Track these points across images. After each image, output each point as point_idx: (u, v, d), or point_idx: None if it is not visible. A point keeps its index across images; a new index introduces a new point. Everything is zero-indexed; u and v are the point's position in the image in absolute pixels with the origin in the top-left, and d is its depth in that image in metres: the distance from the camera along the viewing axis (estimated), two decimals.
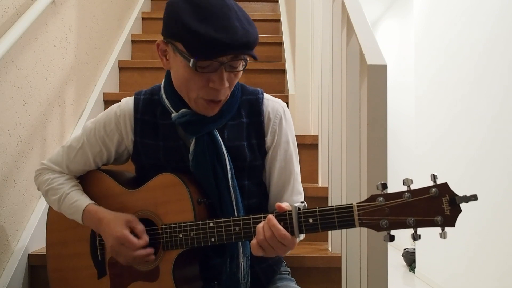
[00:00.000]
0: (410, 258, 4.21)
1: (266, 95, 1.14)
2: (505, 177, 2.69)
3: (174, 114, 1.06)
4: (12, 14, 1.46)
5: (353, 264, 1.31)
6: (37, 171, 1.18)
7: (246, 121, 1.10)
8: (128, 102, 1.13)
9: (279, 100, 1.16)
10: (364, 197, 1.12)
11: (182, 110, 1.05)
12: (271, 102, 1.13)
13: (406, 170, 4.76)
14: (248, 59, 0.99)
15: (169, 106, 1.08)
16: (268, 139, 1.11)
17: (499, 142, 2.76)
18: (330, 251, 1.53)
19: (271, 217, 0.91)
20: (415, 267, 4.04)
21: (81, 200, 1.10)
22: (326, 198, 1.62)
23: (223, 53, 0.92)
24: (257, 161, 1.11)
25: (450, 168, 3.33)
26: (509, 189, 2.65)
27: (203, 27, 0.90)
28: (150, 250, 1.03)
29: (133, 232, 1.03)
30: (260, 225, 0.91)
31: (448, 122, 3.40)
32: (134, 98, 1.13)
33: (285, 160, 1.13)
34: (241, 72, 1.01)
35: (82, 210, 1.09)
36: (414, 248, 4.13)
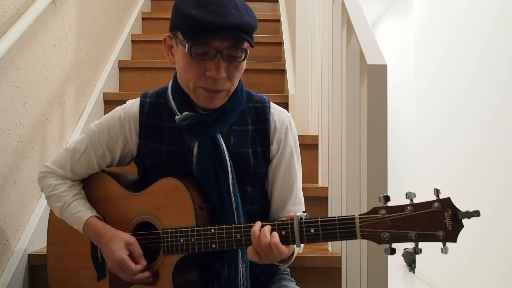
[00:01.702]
0: (410, 258, 4.21)
1: (272, 104, 1.15)
2: (505, 177, 2.69)
3: (177, 117, 1.06)
4: (12, 14, 1.46)
5: (353, 264, 1.31)
6: (40, 173, 1.17)
7: (252, 128, 1.10)
8: (133, 104, 1.12)
9: (285, 110, 1.16)
10: (364, 197, 1.12)
11: (184, 113, 1.05)
12: (277, 111, 1.13)
13: (406, 170, 4.77)
14: (248, 49, 0.99)
15: (175, 108, 1.08)
16: (274, 148, 1.11)
17: (499, 142, 2.76)
18: (330, 251, 1.53)
19: (276, 237, 0.91)
20: (415, 267, 4.04)
21: (83, 212, 1.10)
22: (326, 198, 1.62)
23: (213, 32, 0.93)
24: (261, 169, 1.12)
25: (450, 168, 3.33)
26: (509, 189, 2.65)
27: (197, 12, 0.92)
28: (147, 274, 1.03)
29: (131, 255, 1.03)
30: (256, 228, 0.92)
31: (448, 122, 3.40)
32: (140, 100, 1.12)
33: (289, 170, 1.13)
34: (242, 64, 1.01)
35: (83, 222, 1.09)
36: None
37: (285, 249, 0.91)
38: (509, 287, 2.62)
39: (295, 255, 1.05)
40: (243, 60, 1.00)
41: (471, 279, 3.03)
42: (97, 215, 1.11)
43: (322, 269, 1.47)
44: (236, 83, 1.04)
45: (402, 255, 4.36)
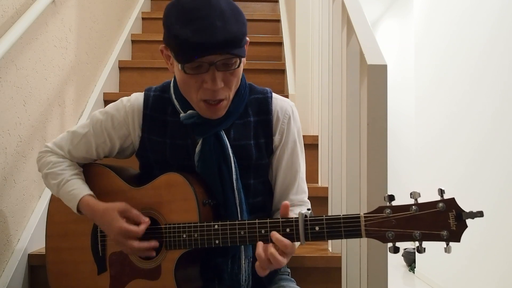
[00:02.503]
0: (410, 258, 4.21)
1: (274, 95, 1.15)
2: (505, 177, 2.69)
3: (182, 115, 1.07)
4: (12, 14, 1.46)
5: (353, 264, 1.31)
6: (40, 153, 1.17)
7: (254, 120, 1.11)
8: (138, 97, 1.13)
9: (288, 100, 1.16)
10: (364, 197, 1.12)
11: (189, 112, 1.06)
12: (279, 101, 1.14)
13: (406, 170, 4.76)
14: (244, 56, 0.98)
15: (178, 106, 1.08)
16: (276, 138, 1.12)
17: (499, 142, 2.76)
18: (330, 251, 1.53)
19: (274, 233, 0.91)
20: (415, 267, 4.04)
21: (79, 189, 1.09)
22: (326, 198, 1.62)
23: (200, 54, 0.93)
24: (263, 160, 1.12)
25: (450, 168, 3.33)
26: (509, 189, 2.65)
27: (182, 31, 0.92)
28: (154, 243, 1.02)
29: (130, 219, 1.03)
30: (260, 250, 0.91)
31: (448, 122, 3.40)
32: (144, 94, 1.13)
33: (292, 159, 1.14)
34: (238, 70, 1.00)
35: (78, 200, 1.08)
36: (414, 248, 4.13)
37: (294, 246, 0.92)
38: (509, 287, 2.62)
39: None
40: (238, 66, 0.99)
41: (471, 279, 3.03)
42: (93, 194, 1.10)
43: (322, 269, 1.47)
44: (235, 89, 1.04)
45: (402, 255, 4.36)
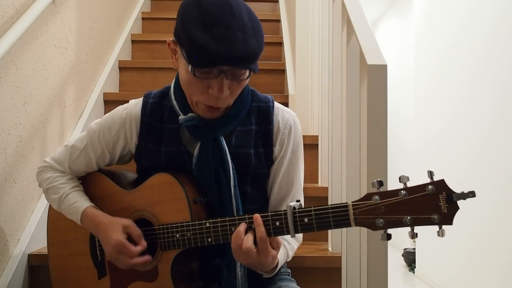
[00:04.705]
0: (410, 258, 4.21)
1: (276, 104, 1.13)
2: (505, 177, 2.69)
3: (181, 117, 1.05)
4: (12, 14, 1.46)
5: (353, 264, 1.31)
6: (39, 168, 1.18)
7: (255, 129, 1.09)
8: (136, 105, 1.11)
9: (290, 110, 1.14)
10: None
11: (190, 114, 1.04)
12: (281, 111, 1.12)
13: (406, 170, 4.75)
14: (257, 71, 0.96)
15: (177, 108, 1.07)
16: (276, 149, 1.10)
17: (499, 142, 2.76)
18: (330, 251, 1.53)
19: (257, 216, 0.91)
20: (415, 267, 4.04)
21: (81, 202, 1.10)
22: (326, 198, 1.62)
23: (216, 64, 0.91)
24: (262, 170, 1.10)
25: (450, 168, 3.33)
26: (509, 189, 2.65)
27: (201, 35, 0.88)
28: (147, 258, 1.02)
29: (131, 237, 1.03)
30: (241, 228, 0.92)
31: (448, 122, 3.40)
32: (143, 100, 1.12)
33: (289, 170, 1.12)
34: (246, 81, 0.99)
35: (81, 212, 1.09)
36: (414, 248, 4.13)
37: (266, 257, 0.91)
38: (509, 287, 2.62)
39: (278, 267, 1.02)
40: (247, 78, 0.98)
41: (471, 279, 3.03)
42: (94, 205, 1.11)
43: (322, 269, 1.47)
44: (236, 96, 1.02)
45: (402, 255, 4.36)
